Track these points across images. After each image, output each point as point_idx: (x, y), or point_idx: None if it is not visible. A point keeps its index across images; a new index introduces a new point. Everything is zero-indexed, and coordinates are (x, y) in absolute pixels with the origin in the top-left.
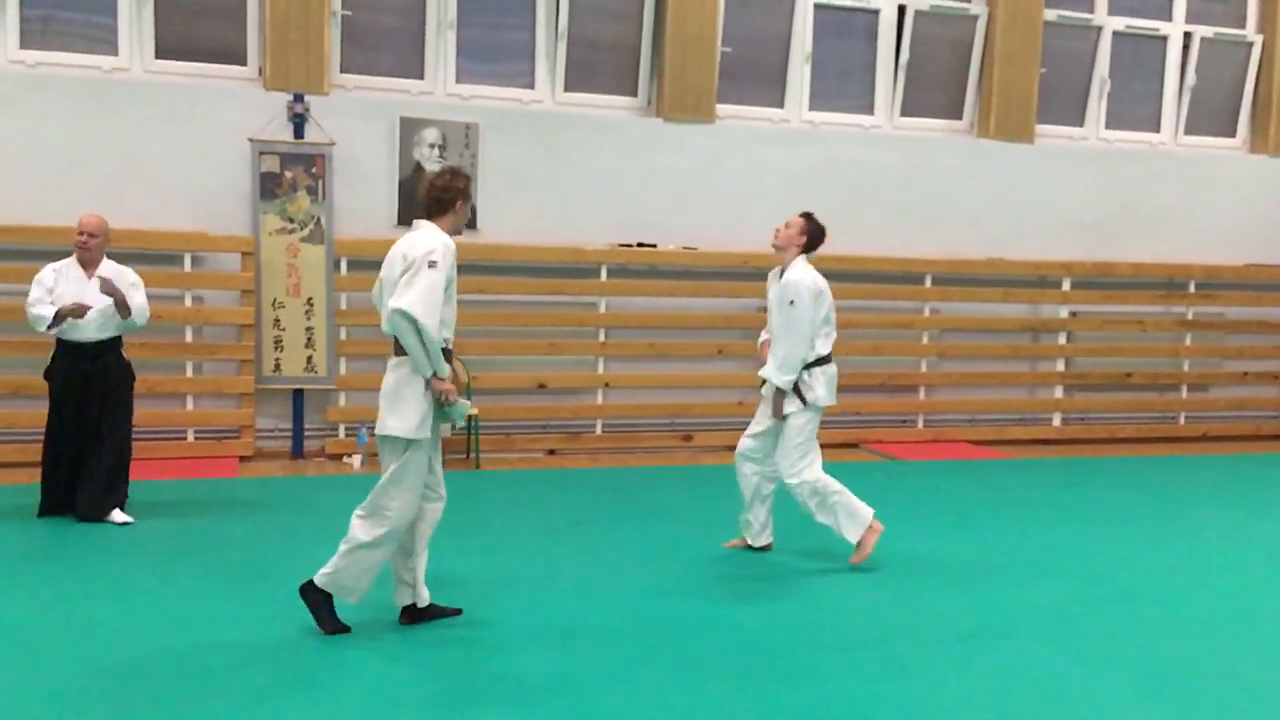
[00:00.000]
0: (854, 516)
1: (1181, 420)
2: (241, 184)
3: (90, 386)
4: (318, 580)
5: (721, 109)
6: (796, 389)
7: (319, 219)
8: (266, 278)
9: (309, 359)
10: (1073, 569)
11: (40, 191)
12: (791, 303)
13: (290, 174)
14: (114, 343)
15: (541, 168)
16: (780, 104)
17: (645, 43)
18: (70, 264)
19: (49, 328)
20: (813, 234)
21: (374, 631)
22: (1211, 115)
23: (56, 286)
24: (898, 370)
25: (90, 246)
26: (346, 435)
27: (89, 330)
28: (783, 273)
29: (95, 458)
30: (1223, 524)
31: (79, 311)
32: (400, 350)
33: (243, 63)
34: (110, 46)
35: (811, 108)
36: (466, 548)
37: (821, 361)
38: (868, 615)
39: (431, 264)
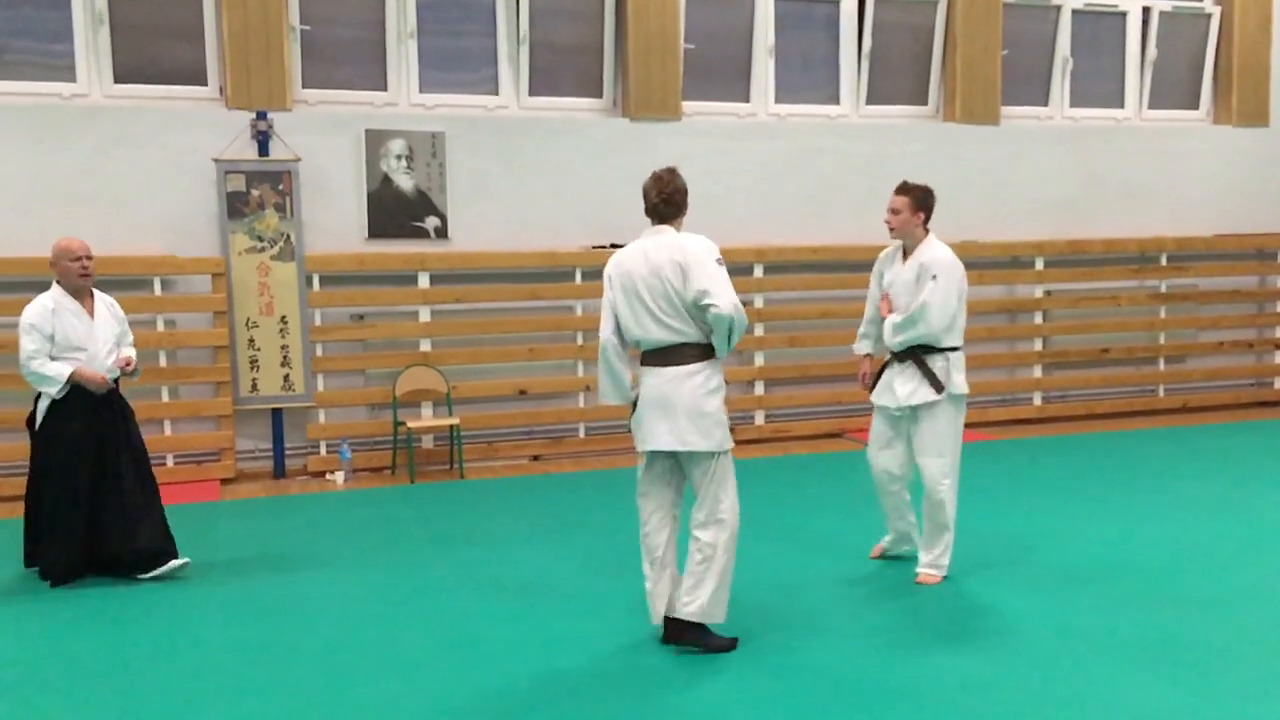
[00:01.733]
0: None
1: (1160, 393)
2: (208, 205)
3: (115, 430)
4: (686, 615)
5: (687, 106)
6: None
7: (289, 236)
8: (239, 298)
9: (286, 377)
10: (1063, 546)
11: (3, 223)
12: (935, 277)
13: (257, 192)
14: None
15: (510, 174)
16: (746, 98)
17: (608, 43)
18: (61, 297)
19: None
20: (923, 201)
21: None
22: (1174, 88)
23: (57, 331)
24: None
25: (91, 272)
26: (328, 452)
27: (100, 370)
28: (905, 254)
29: (137, 505)
30: (1206, 494)
31: (102, 385)
32: (681, 360)
33: (203, 83)
34: (68, 73)
35: (777, 100)
36: (458, 559)
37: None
38: (873, 600)
39: (719, 261)
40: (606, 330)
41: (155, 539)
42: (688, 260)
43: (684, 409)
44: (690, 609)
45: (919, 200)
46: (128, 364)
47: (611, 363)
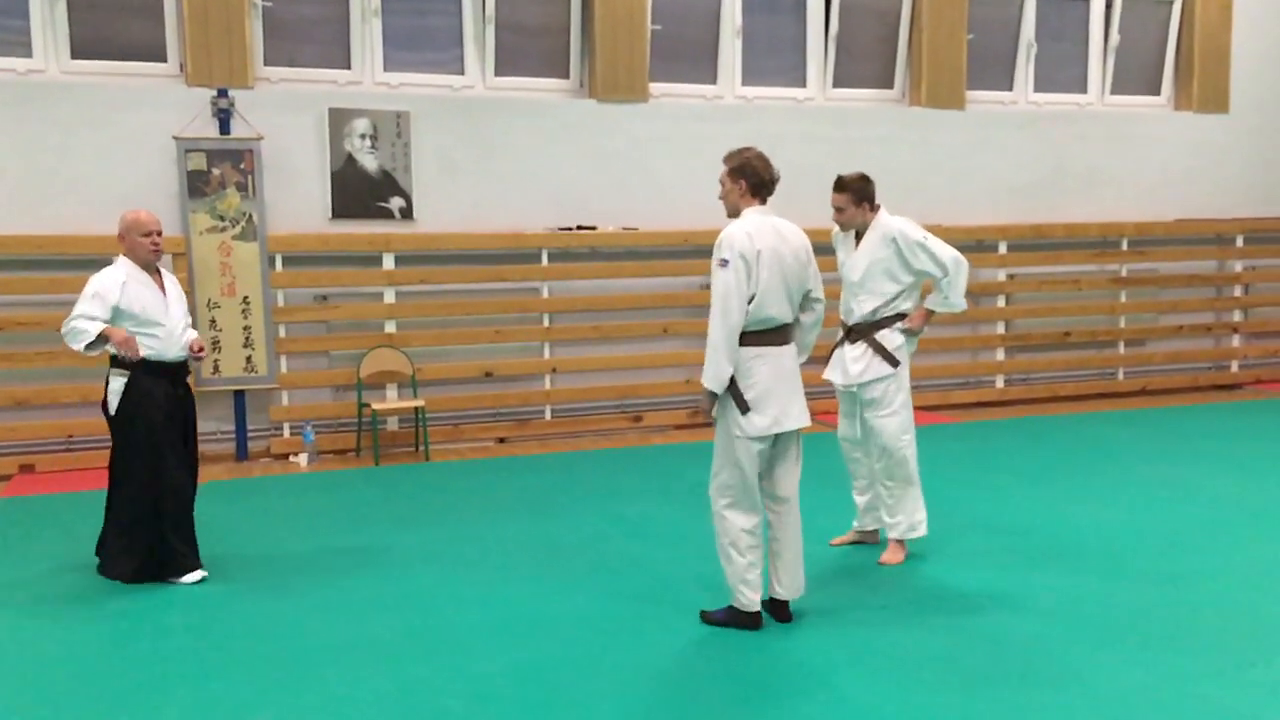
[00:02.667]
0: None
1: (1120, 376)
2: (169, 183)
3: (186, 413)
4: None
5: (654, 88)
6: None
7: (250, 216)
8: (200, 278)
9: (248, 359)
10: (1025, 526)
11: None
12: (925, 240)
13: (218, 171)
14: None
15: (476, 154)
16: (713, 80)
17: (574, 24)
18: (132, 270)
19: (87, 347)
20: (863, 192)
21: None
22: (1136, 74)
23: (134, 304)
24: None
25: (161, 247)
26: (292, 435)
27: (175, 348)
28: (858, 235)
29: (188, 498)
30: (1165, 475)
31: (133, 351)
32: (790, 338)
33: (163, 59)
34: (24, 48)
35: (744, 83)
36: (420, 539)
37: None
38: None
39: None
40: (741, 312)
41: (192, 541)
42: (809, 248)
43: (800, 386)
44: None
45: (858, 192)
46: (200, 350)
47: (734, 346)
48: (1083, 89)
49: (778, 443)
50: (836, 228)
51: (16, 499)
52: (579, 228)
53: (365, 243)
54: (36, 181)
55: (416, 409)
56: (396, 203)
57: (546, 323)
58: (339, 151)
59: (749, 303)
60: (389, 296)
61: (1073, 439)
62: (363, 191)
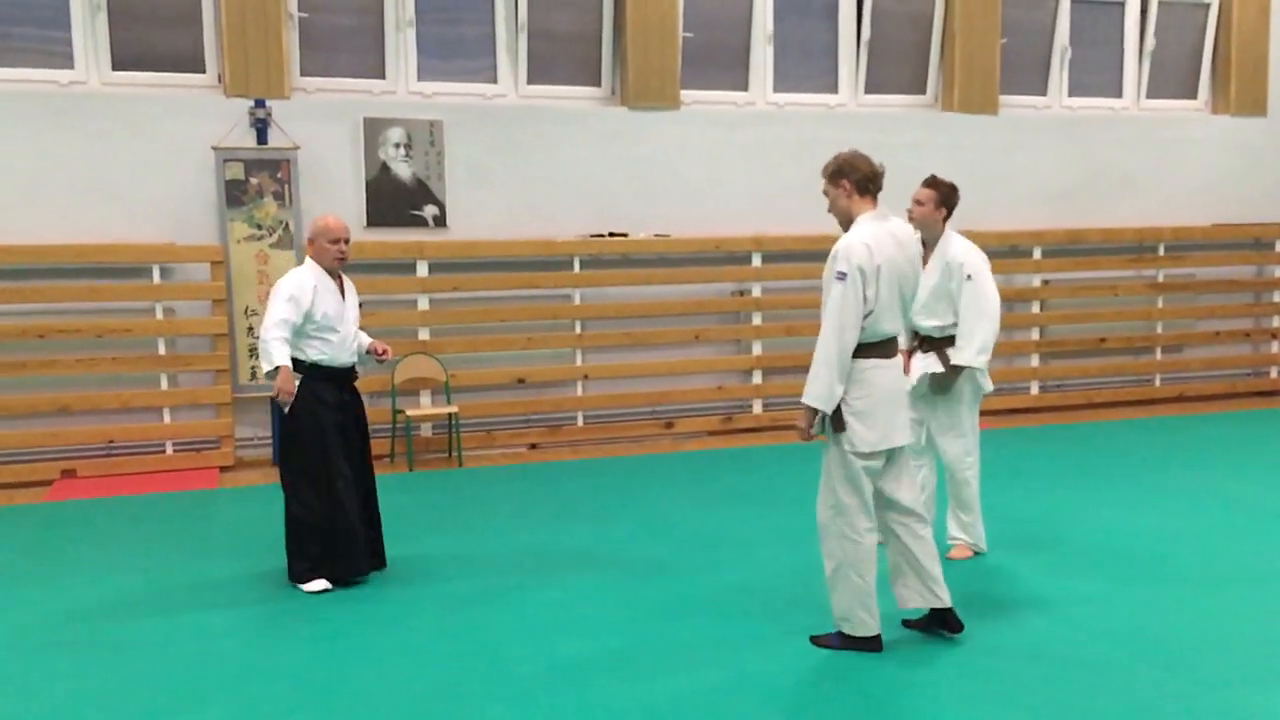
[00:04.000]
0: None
1: (1157, 382)
2: (207, 192)
3: (356, 418)
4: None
5: (686, 94)
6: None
7: (287, 224)
8: (237, 286)
9: None
10: (1062, 532)
11: (2, 210)
12: (969, 278)
13: (256, 180)
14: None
15: (509, 162)
16: (745, 87)
17: (606, 32)
18: (320, 275)
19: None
20: (948, 198)
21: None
22: (1172, 78)
23: (317, 308)
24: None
25: (347, 255)
26: None
27: (347, 353)
28: (924, 248)
29: (367, 501)
30: (1203, 483)
31: (287, 398)
32: (896, 349)
33: (201, 70)
34: (66, 59)
35: (776, 89)
36: (456, 545)
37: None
38: None
39: None
40: (857, 329)
41: (378, 544)
42: (920, 251)
43: (906, 400)
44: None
45: (944, 196)
46: (384, 352)
47: (847, 363)
48: (1118, 93)
49: (889, 457)
50: None
51: (58, 503)
52: (611, 234)
53: (399, 250)
54: (78, 190)
55: (450, 415)
56: (430, 211)
57: (579, 329)
58: (374, 160)
59: (864, 318)
60: (423, 303)
61: (1109, 446)
62: (397, 200)
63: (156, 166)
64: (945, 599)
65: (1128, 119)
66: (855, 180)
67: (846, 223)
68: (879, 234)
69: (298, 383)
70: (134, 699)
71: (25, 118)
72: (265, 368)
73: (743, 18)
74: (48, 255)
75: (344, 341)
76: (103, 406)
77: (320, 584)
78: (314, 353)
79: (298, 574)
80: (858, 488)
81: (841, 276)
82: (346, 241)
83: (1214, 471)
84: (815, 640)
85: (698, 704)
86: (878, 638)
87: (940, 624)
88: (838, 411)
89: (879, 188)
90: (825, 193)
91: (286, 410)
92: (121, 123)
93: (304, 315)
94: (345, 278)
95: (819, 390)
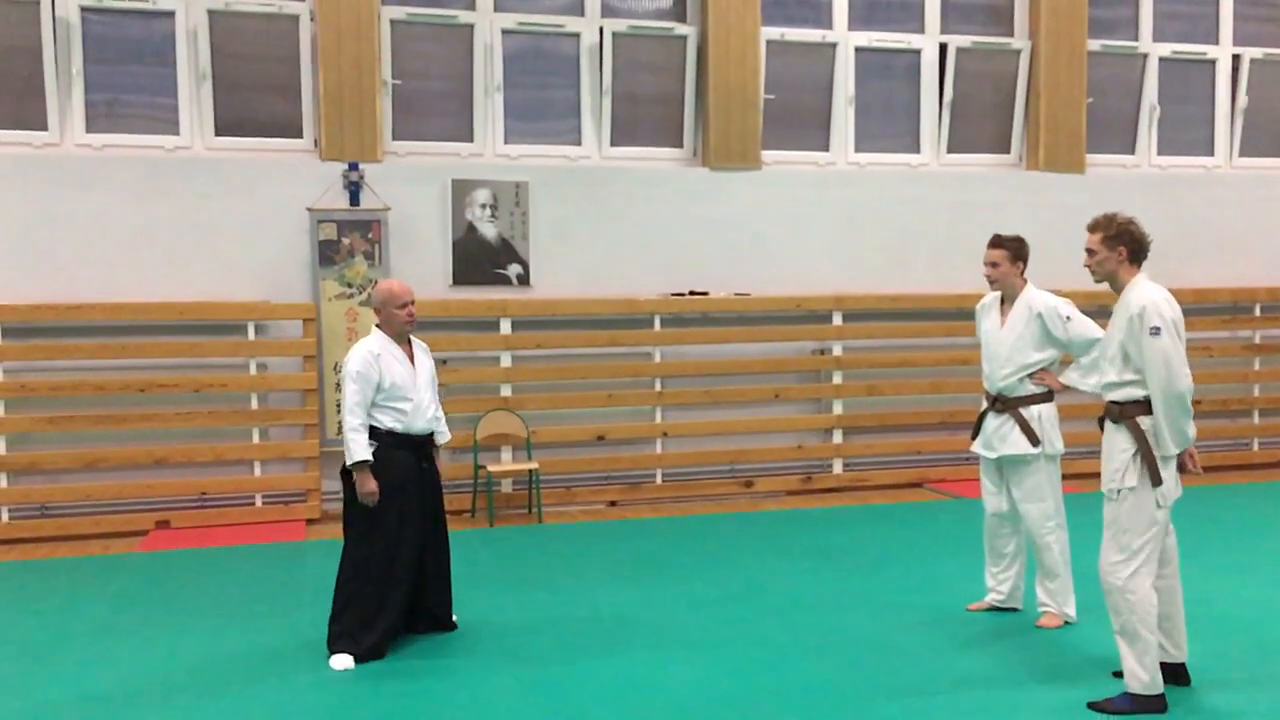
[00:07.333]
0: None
1: (1255, 446)
2: (301, 252)
3: (434, 486)
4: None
5: (767, 155)
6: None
7: (375, 282)
8: (327, 342)
9: None
10: None
11: (110, 269)
12: (1155, 330)
13: (347, 240)
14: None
15: (591, 222)
16: (826, 147)
17: (688, 94)
18: (385, 343)
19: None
20: (1019, 251)
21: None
22: (1265, 135)
23: (384, 377)
24: (958, 407)
25: (415, 317)
26: None
27: (422, 420)
28: (1004, 303)
29: (437, 566)
30: None
31: (371, 499)
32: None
33: (299, 135)
34: (172, 126)
35: (857, 149)
36: (535, 602)
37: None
38: (935, 656)
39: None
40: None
41: (445, 599)
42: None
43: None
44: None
45: (1015, 251)
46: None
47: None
48: (1209, 151)
49: None
50: (982, 299)
51: (152, 554)
52: (691, 293)
53: (483, 308)
54: (181, 250)
55: (530, 471)
56: (514, 269)
57: (658, 387)
58: (460, 220)
59: None
60: (505, 360)
61: (1206, 512)
62: (482, 259)
63: (254, 227)
64: (1180, 656)
65: (1219, 177)
66: (1132, 249)
67: (1107, 281)
68: (1167, 294)
69: (374, 449)
70: None
71: (132, 181)
72: (348, 460)
73: (824, 80)
74: (150, 313)
75: (418, 409)
76: (197, 459)
77: (346, 661)
78: (389, 420)
79: (331, 638)
80: (1160, 541)
81: (1156, 331)
82: (413, 303)
83: None
84: (1101, 706)
85: None
86: (1163, 695)
87: (1171, 677)
88: (1153, 462)
89: (1145, 259)
90: (1091, 249)
91: (368, 504)
92: (222, 186)
93: (375, 387)
94: (417, 342)
95: (1178, 436)
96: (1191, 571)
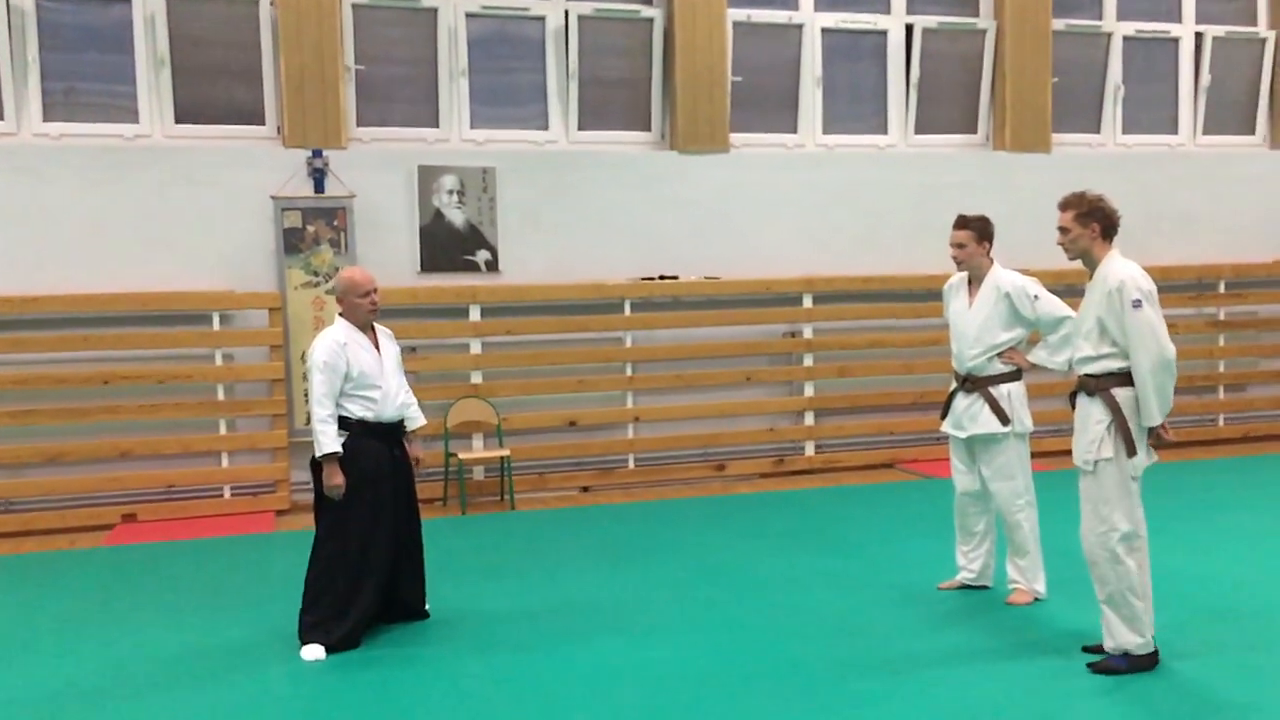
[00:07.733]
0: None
1: (1221, 422)
2: (265, 241)
3: (406, 475)
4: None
5: (735, 138)
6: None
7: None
8: (294, 331)
9: None
10: None
11: (69, 260)
12: (1137, 303)
13: (312, 228)
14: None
15: (560, 207)
16: (794, 129)
17: (655, 77)
18: (350, 331)
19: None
20: (984, 231)
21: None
22: (1229, 114)
23: (352, 366)
24: (929, 388)
25: (378, 306)
26: None
27: (391, 408)
28: (972, 283)
29: (409, 554)
30: (1272, 526)
31: (337, 491)
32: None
33: (261, 122)
34: (131, 114)
35: (825, 131)
36: (509, 590)
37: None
38: (912, 635)
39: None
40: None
41: (418, 589)
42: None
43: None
44: None
45: (980, 231)
46: (417, 462)
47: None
48: (1173, 130)
49: None
50: (950, 280)
51: (118, 547)
52: (661, 277)
53: (452, 295)
54: (143, 240)
55: (502, 458)
56: (482, 255)
57: (629, 372)
58: (427, 207)
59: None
60: (475, 347)
61: (1173, 488)
62: (450, 245)
63: (217, 216)
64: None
65: (1184, 155)
66: (1104, 226)
67: (1080, 259)
68: (1140, 270)
69: (344, 439)
70: None
71: (91, 170)
72: (317, 452)
73: (791, 61)
74: (112, 304)
75: (387, 397)
76: (163, 451)
77: (317, 652)
78: (359, 410)
79: (302, 629)
80: (1140, 510)
81: (1138, 304)
82: (376, 290)
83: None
84: (1099, 667)
85: None
86: (1156, 651)
87: None
88: (1129, 434)
89: (1116, 233)
90: (1063, 228)
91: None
92: (183, 174)
93: (343, 377)
94: (380, 329)
95: (1162, 408)
96: (1157, 546)
